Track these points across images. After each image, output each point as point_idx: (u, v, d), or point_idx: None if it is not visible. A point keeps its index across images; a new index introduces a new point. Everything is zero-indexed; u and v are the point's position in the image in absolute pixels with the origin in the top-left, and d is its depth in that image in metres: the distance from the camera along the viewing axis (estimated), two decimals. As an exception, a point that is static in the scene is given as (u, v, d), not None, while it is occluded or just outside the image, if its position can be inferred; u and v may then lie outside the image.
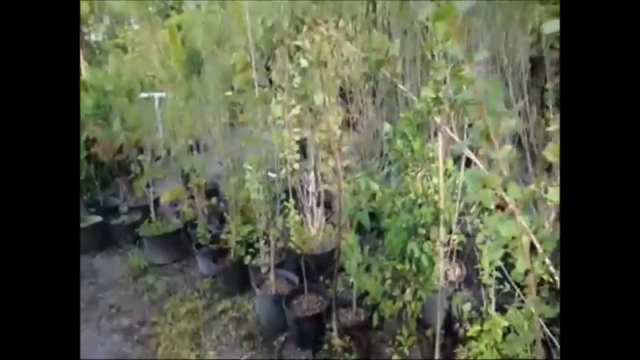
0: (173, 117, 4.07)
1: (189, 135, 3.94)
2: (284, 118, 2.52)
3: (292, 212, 3.11)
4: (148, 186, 4.37)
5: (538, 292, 1.36)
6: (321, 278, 3.14)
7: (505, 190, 1.10)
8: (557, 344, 1.63)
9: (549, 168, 2.82)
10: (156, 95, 5.23)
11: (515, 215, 1.17)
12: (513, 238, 1.25)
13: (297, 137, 2.59)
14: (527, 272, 1.39)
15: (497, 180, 1.07)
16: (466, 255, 2.88)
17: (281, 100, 2.46)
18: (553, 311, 1.52)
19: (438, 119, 1.85)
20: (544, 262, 1.49)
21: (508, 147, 1.07)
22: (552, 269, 1.59)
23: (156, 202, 4.50)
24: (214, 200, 4.01)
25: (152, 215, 4.40)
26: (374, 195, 2.37)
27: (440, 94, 1.78)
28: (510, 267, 2.04)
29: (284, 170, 2.73)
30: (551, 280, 1.89)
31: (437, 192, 2.08)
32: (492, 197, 1.18)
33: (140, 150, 4.41)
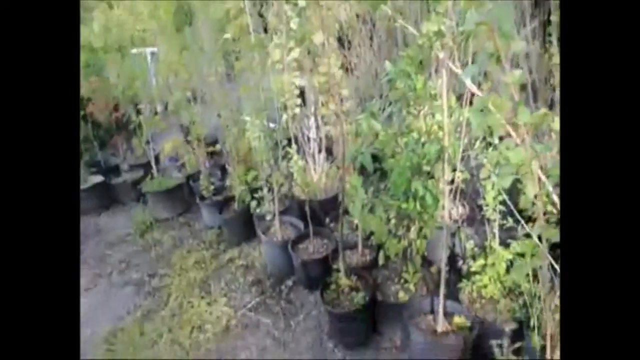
0: (167, 71, 4.00)
1: (185, 88, 3.88)
2: (283, 62, 2.47)
3: (295, 157, 3.11)
4: (148, 142, 4.36)
5: (547, 221, 1.38)
6: (327, 220, 3.18)
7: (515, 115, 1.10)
8: (558, 269, 1.67)
9: (551, 104, 2.80)
10: (148, 50, 5.12)
11: (525, 141, 1.17)
12: (521, 165, 1.26)
13: (297, 82, 2.55)
14: (532, 204, 1.42)
15: (508, 105, 1.06)
16: (469, 195, 2.91)
17: (279, 44, 2.40)
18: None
19: (441, 54, 1.82)
20: (547, 193, 1.50)
21: (519, 70, 1.05)
22: (555, 197, 1.61)
23: (157, 158, 4.50)
24: (217, 147, 3.98)
25: (154, 171, 4.40)
26: (376, 136, 2.36)
27: (442, 27, 1.73)
28: (515, 200, 2.07)
29: (284, 117, 2.70)
30: (554, 211, 1.92)
31: (441, 128, 2.07)
32: (500, 124, 1.18)
33: (137, 107, 4.37)
